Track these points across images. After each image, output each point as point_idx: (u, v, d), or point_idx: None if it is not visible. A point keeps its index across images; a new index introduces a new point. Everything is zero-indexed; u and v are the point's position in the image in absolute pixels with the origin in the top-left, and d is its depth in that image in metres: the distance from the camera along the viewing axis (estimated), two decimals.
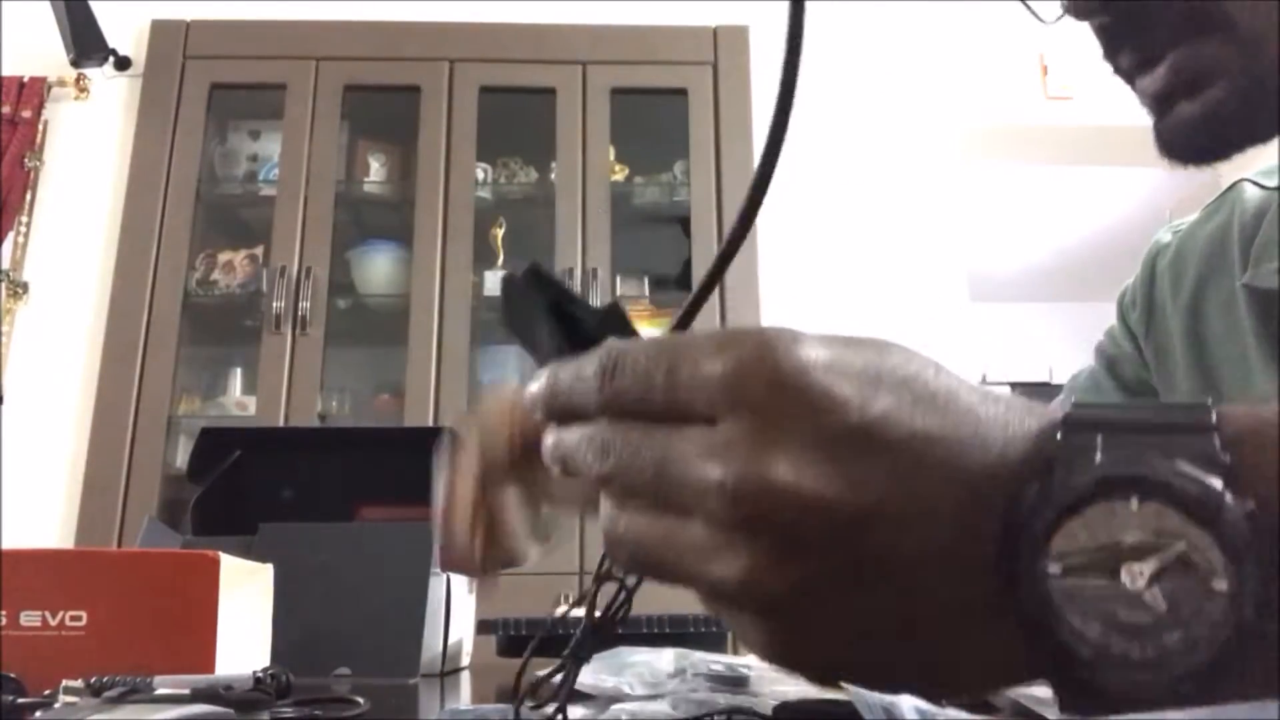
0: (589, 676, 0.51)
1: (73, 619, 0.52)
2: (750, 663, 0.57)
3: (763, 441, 0.26)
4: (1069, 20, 0.57)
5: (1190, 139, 0.50)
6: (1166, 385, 0.67)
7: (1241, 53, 0.47)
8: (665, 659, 0.56)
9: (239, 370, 2.54)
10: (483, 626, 0.92)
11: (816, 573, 0.26)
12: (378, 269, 2.55)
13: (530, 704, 0.33)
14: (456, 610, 0.87)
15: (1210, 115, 0.48)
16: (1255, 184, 0.67)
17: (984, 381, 3.63)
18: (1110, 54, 0.53)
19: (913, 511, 0.26)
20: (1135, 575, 0.24)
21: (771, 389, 0.26)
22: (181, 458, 2.30)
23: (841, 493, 0.26)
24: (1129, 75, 0.52)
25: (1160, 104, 0.51)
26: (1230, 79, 0.47)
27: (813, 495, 0.26)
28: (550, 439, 0.30)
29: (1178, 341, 0.66)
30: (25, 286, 2.52)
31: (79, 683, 0.41)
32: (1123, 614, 0.24)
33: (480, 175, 2.54)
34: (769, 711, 0.43)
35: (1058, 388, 0.95)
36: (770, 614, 0.27)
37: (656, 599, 0.39)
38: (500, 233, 2.55)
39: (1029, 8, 0.58)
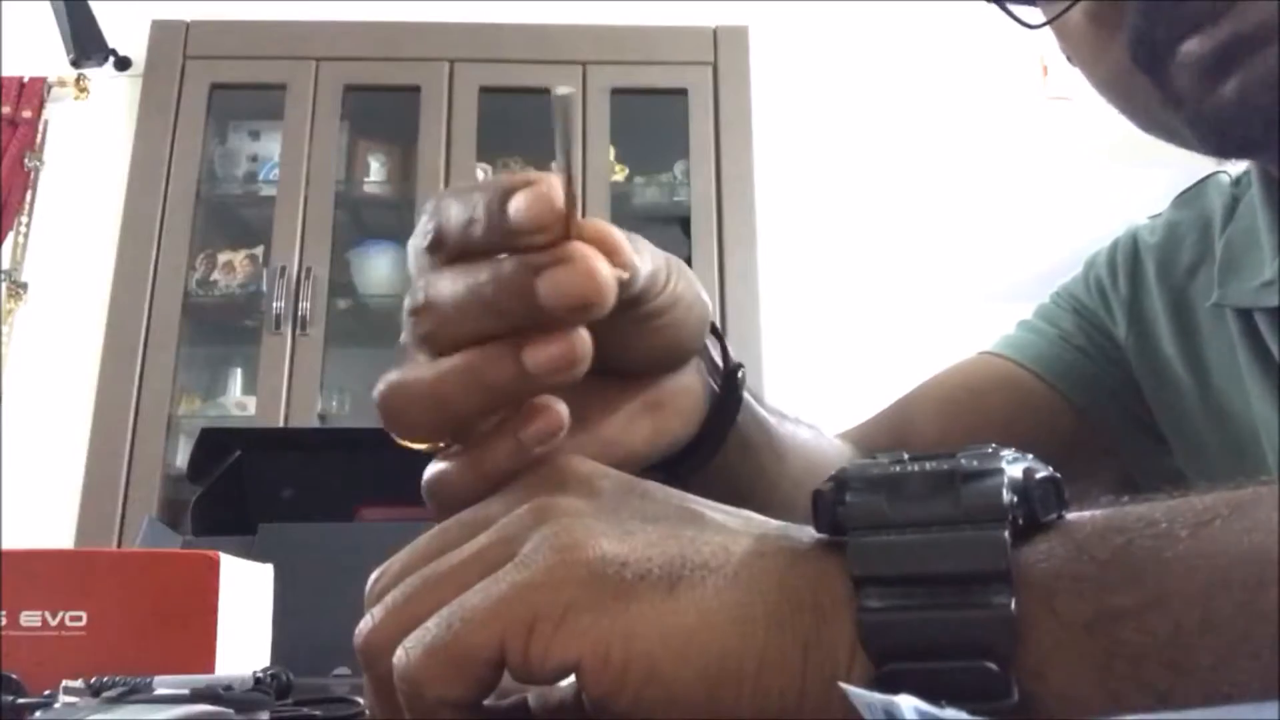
0: None
1: (73, 619, 0.52)
2: None
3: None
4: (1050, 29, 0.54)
5: (1249, 113, 0.43)
6: (1152, 375, 0.65)
7: None
8: None
9: (239, 370, 2.54)
10: None
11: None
12: (378, 269, 2.54)
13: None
14: None
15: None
16: (1228, 180, 0.64)
17: None
18: (1147, 22, 0.46)
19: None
20: None
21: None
22: (181, 458, 2.30)
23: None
24: (1167, 46, 0.45)
25: (1211, 72, 0.44)
26: None
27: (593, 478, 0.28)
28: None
29: (1165, 330, 0.64)
30: (25, 286, 2.52)
31: (79, 683, 0.42)
32: None
33: (480, 175, 2.54)
34: None
35: None
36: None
37: None
38: None
39: (1011, 14, 0.54)
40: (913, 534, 0.23)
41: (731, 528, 0.27)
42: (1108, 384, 0.66)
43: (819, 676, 0.24)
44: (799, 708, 0.24)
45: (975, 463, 0.24)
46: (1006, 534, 0.23)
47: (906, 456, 0.26)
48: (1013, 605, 0.22)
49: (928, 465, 0.25)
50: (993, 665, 0.22)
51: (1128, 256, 0.69)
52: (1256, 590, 0.21)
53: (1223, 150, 0.50)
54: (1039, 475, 0.25)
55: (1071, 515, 0.25)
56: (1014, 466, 0.24)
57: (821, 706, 0.23)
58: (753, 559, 0.25)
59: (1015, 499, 0.24)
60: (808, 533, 0.26)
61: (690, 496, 0.28)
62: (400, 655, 0.25)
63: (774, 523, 0.28)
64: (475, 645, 0.24)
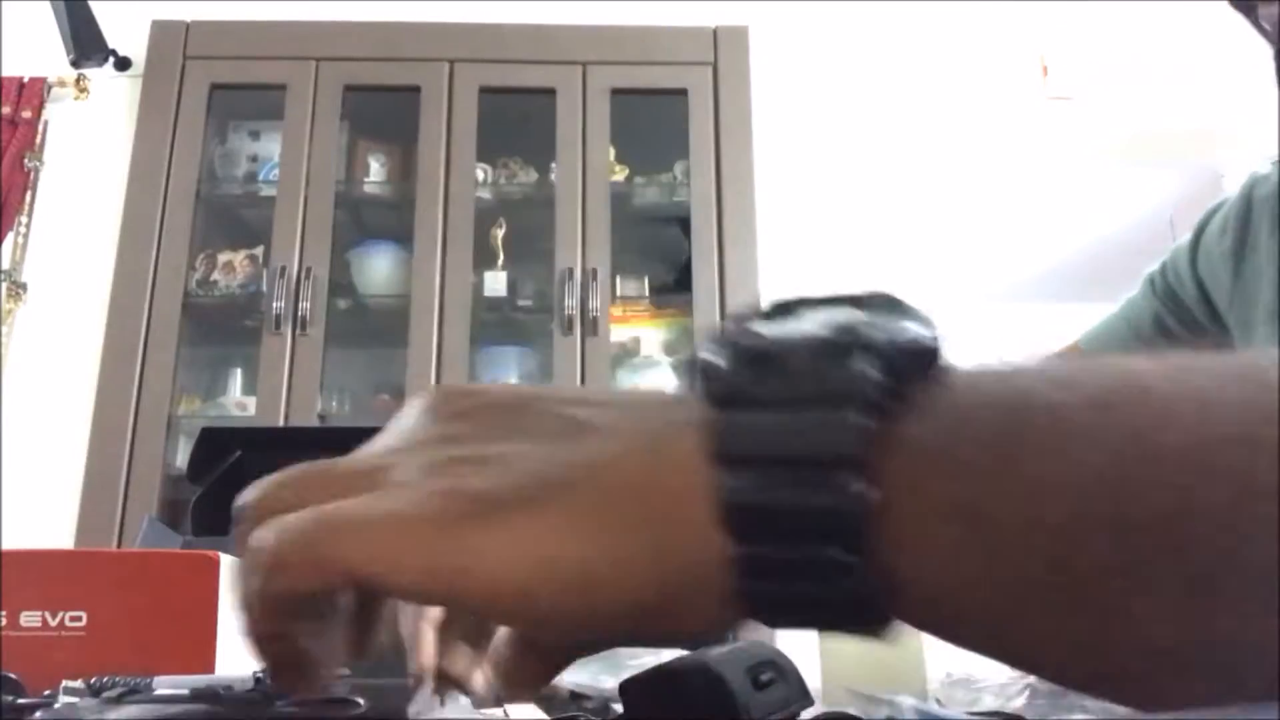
0: (586, 676, 0.51)
1: (73, 619, 0.52)
2: None
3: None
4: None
5: None
6: (1245, 329, 0.64)
7: None
8: (665, 659, 0.56)
9: (239, 370, 2.54)
10: None
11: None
12: (378, 269, 2.55)
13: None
14: None
15: None
16: None
17: None
18: None
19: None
20: None
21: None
22: (181, 458, 2.30)
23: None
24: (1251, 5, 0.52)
25: None
26: None
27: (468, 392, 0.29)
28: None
29: (1269, 282, 0.63)
30: (25, 286, 2.52)
31: (79, 683, 0.41)
32: None
33: (480, 175, 2.54)
34: None
35: None
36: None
37: None
38: (500, 233, 2.55)
39: None
40: (774, 413, 0.23)
41: (608, 428, 0.26)
42: None
43: (677, 560, 0.24)
44: (671, 591, 0.24)
45: (843, 336, 0.23)
46: (864, 416, 0.22)
47: (796, 306, 0.26)
48: (865, 490, 0.22)
49: (800, 333, 0.24)
50: (842, 551, 0.22)
51: (1239, 214, 0.69)
52: (1129, 484, 0.20)
53: None
54: (917, 347, 0.24)
55: (958, 390, 0.23)
56: (893, 334, 0.24)
57: (686, 590, 0.24)
58: (616, 462, 0.25)
59: (881, 377, 0.23)
60: (689, 403, 0.25)
61: (582, 398, 0.28)
62: (266, 534, 0.26)
63: (657, 400, 0.27)
64: (343, 557, 0.25)
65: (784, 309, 0.26)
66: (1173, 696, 0.21)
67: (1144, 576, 0.20)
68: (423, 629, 0.40)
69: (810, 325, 0.24)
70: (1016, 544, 0.21)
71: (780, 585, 0.23)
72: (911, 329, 0.24)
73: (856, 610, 0.23)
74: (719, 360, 0.25)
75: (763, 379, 0.24)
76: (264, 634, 0.27)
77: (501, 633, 0.33)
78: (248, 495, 0.29)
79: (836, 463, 0.22)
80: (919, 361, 0.24)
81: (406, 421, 0.29)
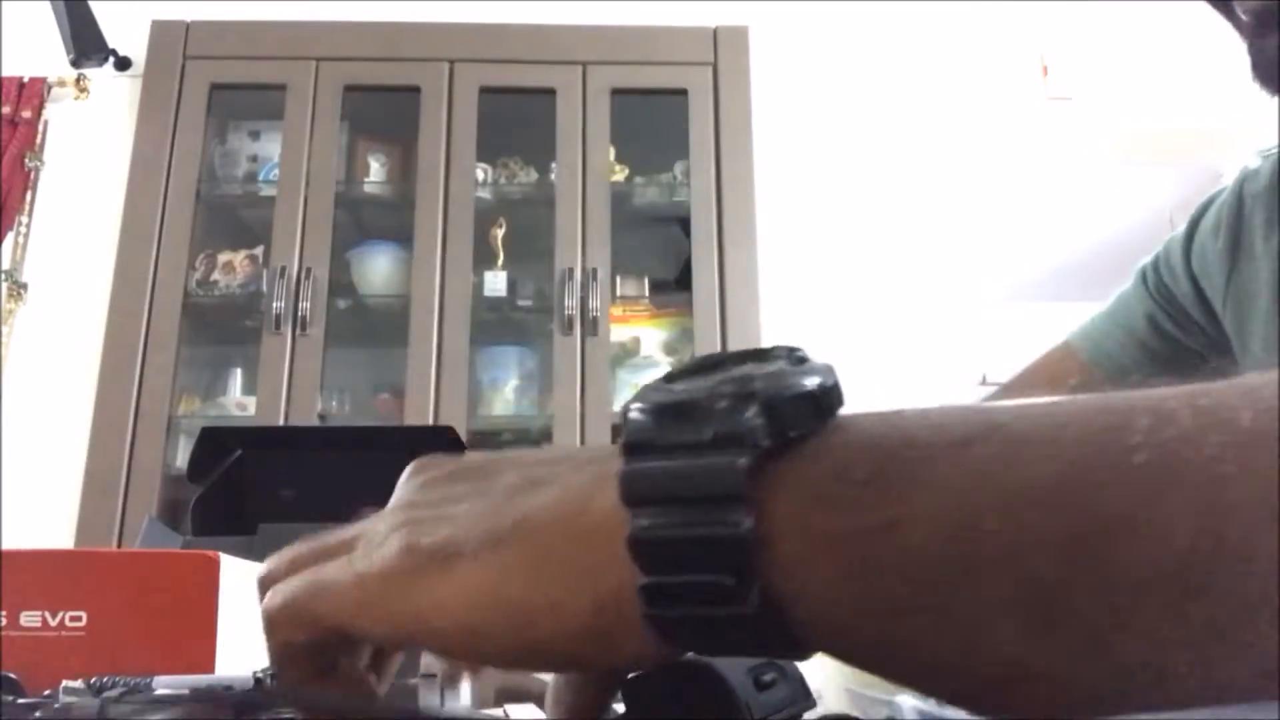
0: None
1: (73, 619, 0.52)
2: None
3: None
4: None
5: None
6: (1240, 331, 0.64)
7: None
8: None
9: (239, 370, 2.54)
10: None
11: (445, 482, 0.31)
12: (378, 269, 2.55)
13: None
14: None
15: None
16: None
17: (983, 382, 3.63)
18: None
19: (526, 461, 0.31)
20: None
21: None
22: (181, 458, 2.30)
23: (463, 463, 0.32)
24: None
25: (1264, 20, 0.52)
26: None
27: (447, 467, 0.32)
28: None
29: (1265, 284, 0.62)
30: (25, 286, 2.52)
31: (79, 683, 0.41)
32: None
33: (480, 175, 2.54)
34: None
35: None
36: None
37: None
38: (500, 233, 2.56)
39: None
40: (674, 458, 0.26)
41: (552, 482, 0.29)
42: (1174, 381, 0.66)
43: (603, 595, 0.27)
44: (598, 622, 0.27)
45: (738, 388, 0.26)
46: (749, 458, 0.25)
47: (695, 366, 0.29)
48: (748, 524, 0.24)
49: (703, 387, 0.27)
50: (731, 578, 0.24)
51: (1232, 211, 0.69)
52: (977, 517, 0.22)
53: (1269, 88, 0.55)
54: (807, 395, 0.26)
55: (843, 434, 0.26)
56: (786, 385, 0.26)
57: (612, 621, 0.27)
58: (553, 512, 0.28)
59: (767, 423, 0.25)
60: (617, 454, 0.28)
61: (545, 458, 0.31)
62: (269, 597, 0.32)
63: (597, 454, 0.30)
64: (319, 613, 0.31)
65: (705, 366, 0.29)
66: (1027, 712, 0.23)
67: (988, 600, 0.22)
68: None
69: (715, 380, 0.27)
70: (883, 572, 0.23)
71: (682, 610, 0.25)
72: (807, 380, 0.26)
73: (755, 633, 0.25)
74: (636, 414, 0.27)
75: (667, 429, 0.27)
76: (289, 682, 0.32)
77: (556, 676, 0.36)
78: (260, 569, 0.34)
79: (725, 499, 0.25)
80: (809, 409, 0.26)
81: (395, 492, 0.33)
